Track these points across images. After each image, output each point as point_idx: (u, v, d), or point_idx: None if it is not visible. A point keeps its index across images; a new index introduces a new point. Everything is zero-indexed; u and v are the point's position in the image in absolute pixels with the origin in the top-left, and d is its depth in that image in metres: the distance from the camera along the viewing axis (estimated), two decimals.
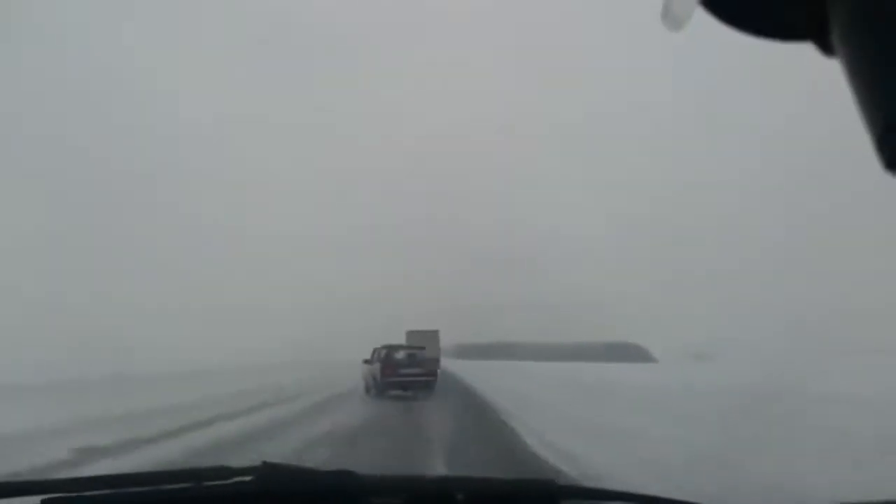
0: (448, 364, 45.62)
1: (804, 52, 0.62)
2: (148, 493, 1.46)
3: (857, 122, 0.57)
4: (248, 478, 1.49)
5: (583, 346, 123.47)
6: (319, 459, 8.06)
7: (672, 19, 0.70)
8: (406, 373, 19.29)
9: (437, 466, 7.71)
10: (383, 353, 20.29)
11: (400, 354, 20.33)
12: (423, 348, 21.69)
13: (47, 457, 8.35)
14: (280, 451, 8.79)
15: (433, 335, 42.44)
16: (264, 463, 1.52)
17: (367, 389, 20.42)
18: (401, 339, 44.16)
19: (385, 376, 19.03)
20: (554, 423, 11.51)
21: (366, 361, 21.96)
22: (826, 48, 0.59)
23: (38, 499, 1.38)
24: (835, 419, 10.82)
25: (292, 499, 1.50)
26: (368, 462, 8.06)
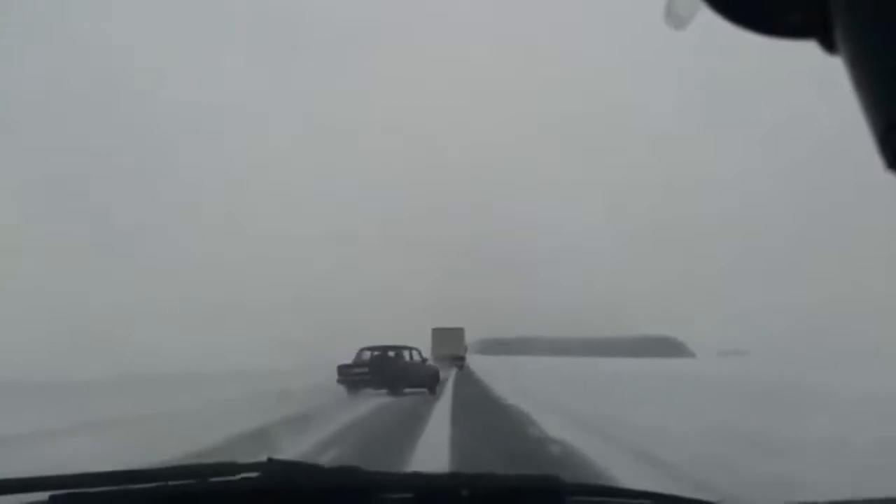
0: (474, 363, 44.06)
1: (807, 51, 0.62)
2: (155, 489, 1.48)
3: (859, 120, 0.57)
4: (254, 474, 1.51)
5: (614, 340, 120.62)
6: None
7: (675, 17, 0.71)
8: (356, 372, 22.30)
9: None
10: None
11: (363, 356, 23.61)
12: (402, 349, 24.24)
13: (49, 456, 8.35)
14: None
15: (458, 332, 42.54)
16: (270, 459, 1.54)
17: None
18: (424, 336, 44.08)
19: (340, 376, 22.05)
20: None
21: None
22: (829, 46, 0.60)
23: (45, 494, 1.39)
24: (842, 417, 10.81)
25: (298, 495, 1.52)
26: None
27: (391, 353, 23.57)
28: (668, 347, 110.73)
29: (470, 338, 42.93)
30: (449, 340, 39.12)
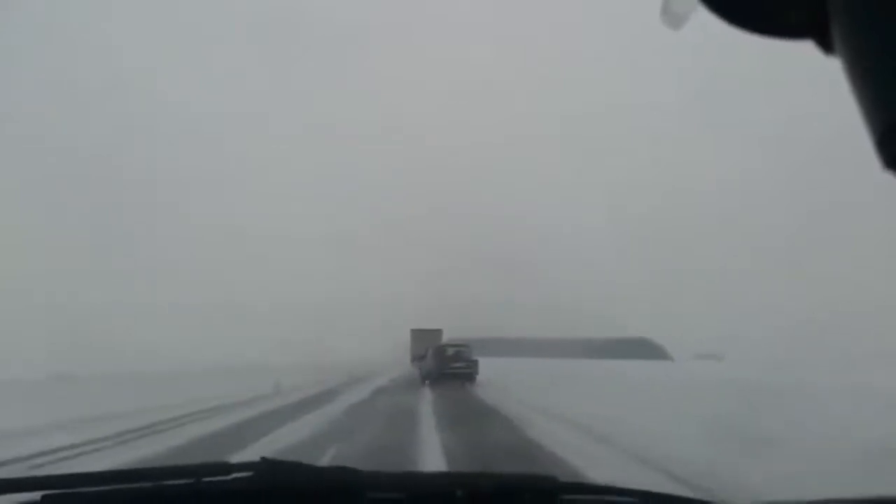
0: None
1: (805, 51, 0.61)
2: (148, 489, 1.47)
3: (858, 121, 0.56)
4: (247, 474, 1.50)
5: (592, 341, 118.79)
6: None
7: (672, 17, 0.70)
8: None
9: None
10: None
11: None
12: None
13: (45, 451, 8.43)
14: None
15: (437, 333, 43.81)
16: (263, 459, 1.53)
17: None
18: (401, 337, 45.57)
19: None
20: None
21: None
22: (827, 47, 0.59)
23: (38, 494, 1.38)
24: (835, 417, 10.83)
25: (292, 495, 1.51)
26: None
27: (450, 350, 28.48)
28: (645, 349, 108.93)
29: (445, 338, 43.73)
30: (427, 341, 40.26)
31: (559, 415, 13.29)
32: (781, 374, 25.96)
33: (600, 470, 6.93)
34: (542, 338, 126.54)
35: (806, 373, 26.56)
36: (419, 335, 44.26)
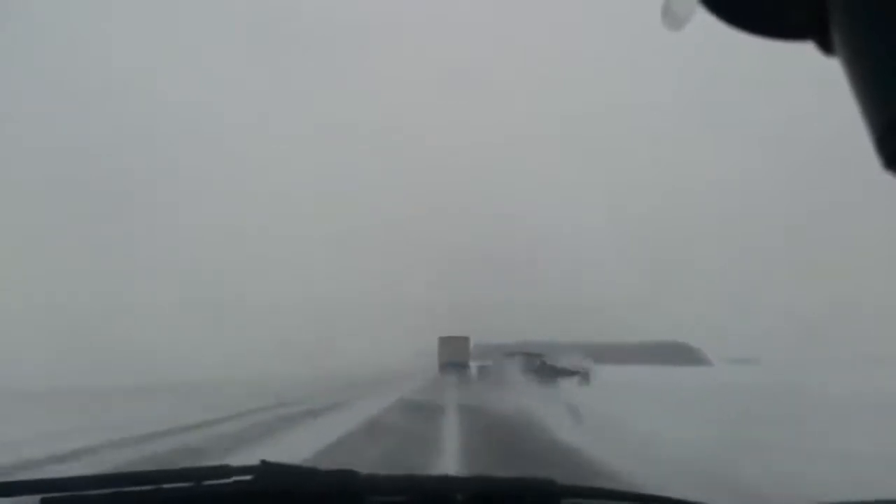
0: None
1: (805, 52, 0.61)
2: (148, 492, 1.48)
3: (857, 121, 0.57)
4: (247, 477, 1.50)
5: (622, 346, 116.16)
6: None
7: (672, 18, 0.70)
8: None
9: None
10: None
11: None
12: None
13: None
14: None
15: (464, 341, 44.89)
16: (263, 462, 1.53)
17: None
18: (425, 345, 46.88)
19: None
20: None
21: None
22: (826, 47, 0.59)
23: (37, 498, 1.38)
24: (838, 418, 10.77)
25: (292, 498, 1.51)
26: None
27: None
28: (680, 354, 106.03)
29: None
30: (454, 349, 40.54)
31: None
32: (812, 377, 25.42)
33: None
34: (569, 342, 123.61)
35: (806, 375, 26.39)
36: (447, 343, 44.84)
